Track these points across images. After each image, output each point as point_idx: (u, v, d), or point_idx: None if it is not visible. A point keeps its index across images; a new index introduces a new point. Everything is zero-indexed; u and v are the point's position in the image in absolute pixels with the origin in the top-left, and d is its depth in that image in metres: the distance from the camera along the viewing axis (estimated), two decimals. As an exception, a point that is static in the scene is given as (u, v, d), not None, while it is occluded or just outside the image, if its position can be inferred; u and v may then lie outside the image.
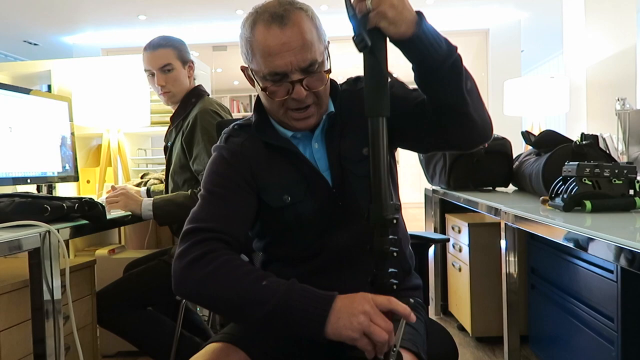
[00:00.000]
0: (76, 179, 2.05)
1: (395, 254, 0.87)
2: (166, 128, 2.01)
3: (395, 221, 0.87)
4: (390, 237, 0.87)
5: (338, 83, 1.11)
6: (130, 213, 1.70)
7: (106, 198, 1.77)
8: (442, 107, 0.96)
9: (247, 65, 1.01)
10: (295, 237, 1.06)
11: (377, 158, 0.87)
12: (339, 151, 1.05)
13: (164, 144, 1.98)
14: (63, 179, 1.96)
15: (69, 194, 2.74)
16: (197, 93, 1.90)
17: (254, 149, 1.05)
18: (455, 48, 0.92)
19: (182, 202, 1.71)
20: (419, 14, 0.87)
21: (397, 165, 1.20)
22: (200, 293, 0.89)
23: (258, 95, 1.05)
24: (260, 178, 1.03)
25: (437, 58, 0.89)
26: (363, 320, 0.80)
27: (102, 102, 2.39)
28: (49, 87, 3.05)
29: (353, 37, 0.86)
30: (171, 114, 1.94)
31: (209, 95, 1.94)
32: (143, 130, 2.81)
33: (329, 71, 0.99)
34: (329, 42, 1.02)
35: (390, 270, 0.88)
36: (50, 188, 2.33)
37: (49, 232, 1.21)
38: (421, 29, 0.87)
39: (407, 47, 0.88)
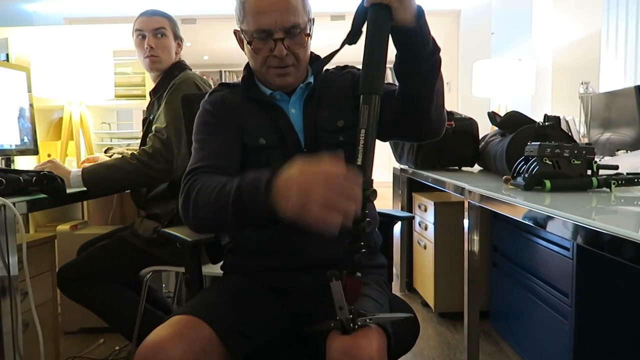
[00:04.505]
0: (36, 152, 1.97)
1: (368, 229, 0.88)
2: (131, 102, 1.96)
3: (375, 197, 0.89)
4: (367, 212, 0.88)
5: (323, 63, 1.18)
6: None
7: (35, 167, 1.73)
8: (409, 99, 1.04)
9: (239, 28, 1.12)
10: None
11: (368, 135, 0.86)
12: (315, 119, 1.13)
13: (133, 118, 1.94)
14: (22, 152, 1.89)
15: (30, 168, 2.64)
16: (181, 66, 1.90)
17: (235, 100, 1.16)
18: (439, 49, 1.01)
19: (113, 164, 1.66)
20: (420, 8, 0.94)
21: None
22: (197, 224, 1.02)
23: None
24: (240, 123, 1.13)
25: (423, 54, 0.97)
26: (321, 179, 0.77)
27: (63, 73, 2.29)
28: (7, 56, 2.91)
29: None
30: (141, 87, 1.91)
31: (191, 69, 1.92)
32: (107, 103, 2.72)
33: (309, 35, 1.10)
34: (313, 19, 1.13)
35: (361, 245, 0.88)
36: (9, 161, 2.24)
37: (4, 205, 1.16)
38: (420, 23, 0.94)
39: (403, 35, 0.95)
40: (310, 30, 1.11)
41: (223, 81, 1.40)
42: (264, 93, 1.15)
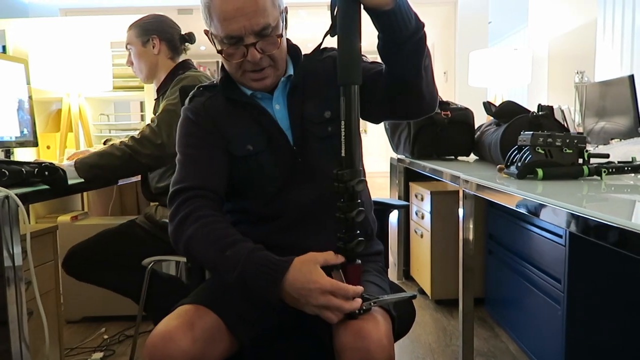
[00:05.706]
0: (35, 144, 1.99)
1: (359, 219, 0.90)
2: (129, 93, 1.98)
3: (362, 188, 0.91)
4: (358, 201, 0.91)
5: (302, 51, 1.15)
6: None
7: None
8: (397, 79, 1.01)
9: (208, 29, 1.05)
10: (258, 191, 1.11)
11: (349, 126, 0.89)
12: (301, 112, 1.10)
13: (130, 110, 1.97)
14: (21, 144, 1.90)
15: (29, 160, 2.66)
16: (185, 65, 1.90)
17: (216, 106, 1.12)
18: (423, 25, 0.96)
19: (103, 151, 1.66)
20: None
21: (364, 135, 1.23)
22: (187, 253, 1.01)
23: None
24: (224, 131, 1.09)
25: (405, 33, 0.93)
26: (322, 300, 0.87)
27: (61, 65, 2.30)
28: (4, 47, 2.91)
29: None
30: (138, 79, 1.92)
31: (196, 69, 1.93)
32: (105, 95, 2.73)
33: (281, 35, 1.04)
34: (285, 8, 1.07)
35: (357, 234, 0.91)
36: (8, 153, 2.26)
37: (7, 196, 1.18)
38: (398, 2, 0.89)
39: (381, 18, 0.91)
40: (282, 29, 1.04)
41: (202, 83, 1.36)
42: (244, 94, 1.10)
